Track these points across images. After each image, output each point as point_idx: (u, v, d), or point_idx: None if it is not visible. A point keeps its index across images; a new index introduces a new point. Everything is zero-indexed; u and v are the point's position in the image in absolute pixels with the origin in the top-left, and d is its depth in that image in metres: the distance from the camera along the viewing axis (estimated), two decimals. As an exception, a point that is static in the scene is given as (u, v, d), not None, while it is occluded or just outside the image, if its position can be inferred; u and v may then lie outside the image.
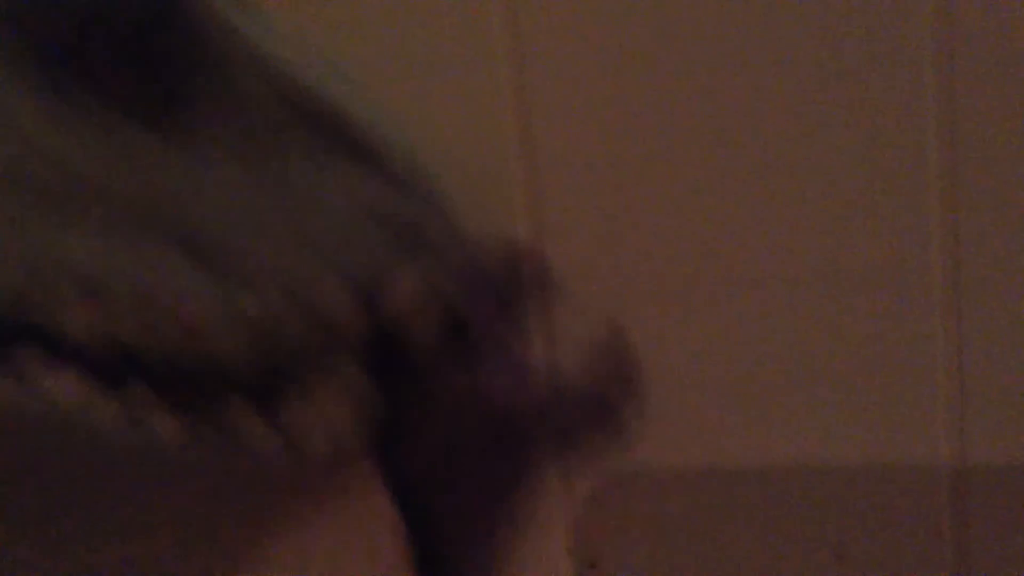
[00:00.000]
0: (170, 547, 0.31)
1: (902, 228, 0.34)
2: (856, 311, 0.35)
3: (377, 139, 0.30)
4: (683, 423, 0.37)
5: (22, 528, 0.27)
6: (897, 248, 0.34)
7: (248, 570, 0.31)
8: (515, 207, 0.36)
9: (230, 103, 0.28)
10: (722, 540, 0.38)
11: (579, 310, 0.36)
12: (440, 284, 0.31)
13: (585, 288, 0.36)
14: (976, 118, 0.32)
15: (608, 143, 0.35)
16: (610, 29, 0.34)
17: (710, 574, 0.38)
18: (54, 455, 0.26)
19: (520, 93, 0.34)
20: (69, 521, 0.28)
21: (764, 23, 0.33)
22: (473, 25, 0.34)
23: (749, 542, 0.38)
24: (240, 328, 0.28)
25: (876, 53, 0.32)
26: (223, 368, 0.30)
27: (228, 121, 0.28)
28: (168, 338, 0.26)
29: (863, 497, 0.36)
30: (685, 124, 0.34)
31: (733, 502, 0.37)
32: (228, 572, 0.31)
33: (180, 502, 0.30)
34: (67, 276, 0.25)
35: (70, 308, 0.25)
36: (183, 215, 0.27)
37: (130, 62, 0.27)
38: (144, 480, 0.28)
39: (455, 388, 0.32)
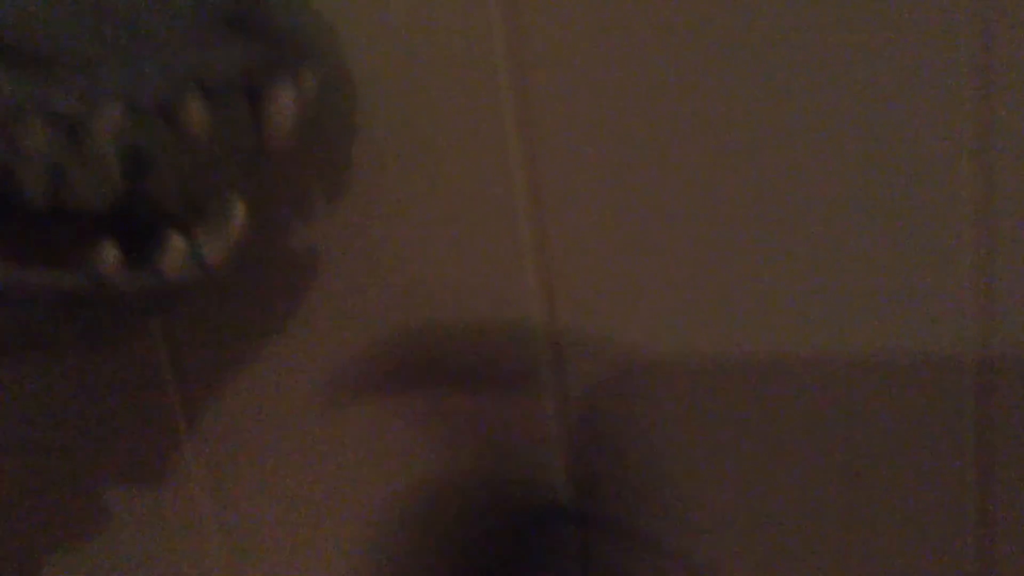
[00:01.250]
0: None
1: (930, 129, 0.32)
2: (875, 191, 0.33)
3: None
4: (692, 316, 0.36)
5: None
6: (923, 137, 0.32)
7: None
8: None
9: None
10: (738, 448, 0.37)
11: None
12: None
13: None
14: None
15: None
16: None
17: (716, 484, 0.37)
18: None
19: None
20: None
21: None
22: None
23: (765, 451, 0.36)
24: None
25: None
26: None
27: None
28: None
29: (882, 406, 0.35)
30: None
31: (748, 406, 0.36)
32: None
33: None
34: None
35: None
36: None
37: None
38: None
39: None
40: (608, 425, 0.37)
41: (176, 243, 0.29)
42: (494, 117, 0.35)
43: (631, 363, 0.36)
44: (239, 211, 0.31)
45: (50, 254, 0.27)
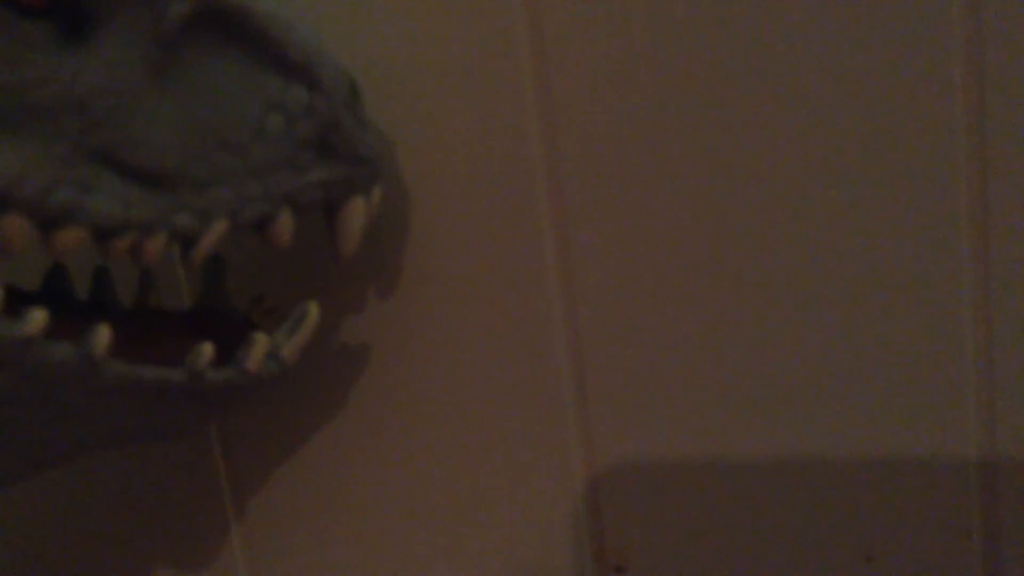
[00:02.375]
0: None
1: (929, 222, 0.34)
2: (883, 305, 0.35)
3: (280, 33, 0.30)
4: (711, 423, 0.37)
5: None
6: (924, 241, 0.34)
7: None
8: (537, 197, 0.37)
9: None
10: (751, 543, 0.38)
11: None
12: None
13: (603, 282, 0.37)
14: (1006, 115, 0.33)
15: (632, 147, 0.36)
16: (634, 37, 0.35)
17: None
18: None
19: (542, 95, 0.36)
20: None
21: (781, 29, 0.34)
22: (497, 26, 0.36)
23: (778, 544, 0.38)
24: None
25: (905, 56, 0.33)
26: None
27: (129, 14, 0.28)
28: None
29: (892, 496, 0.36)
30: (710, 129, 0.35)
31: (762, 503, 0.38)
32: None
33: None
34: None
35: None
36: (99, 122, 0.27)
37: None
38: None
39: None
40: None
41: (261, 343, 0.32)
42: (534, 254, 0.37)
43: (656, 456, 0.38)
44: (314, 314, 0.34)
45: (155, 355, 0.31)
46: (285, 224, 0.31)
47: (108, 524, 0.43)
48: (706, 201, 0.36)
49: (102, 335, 0.28)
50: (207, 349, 0.31)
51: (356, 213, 0.33)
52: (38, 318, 0.27)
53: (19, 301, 0.28)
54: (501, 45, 0.36)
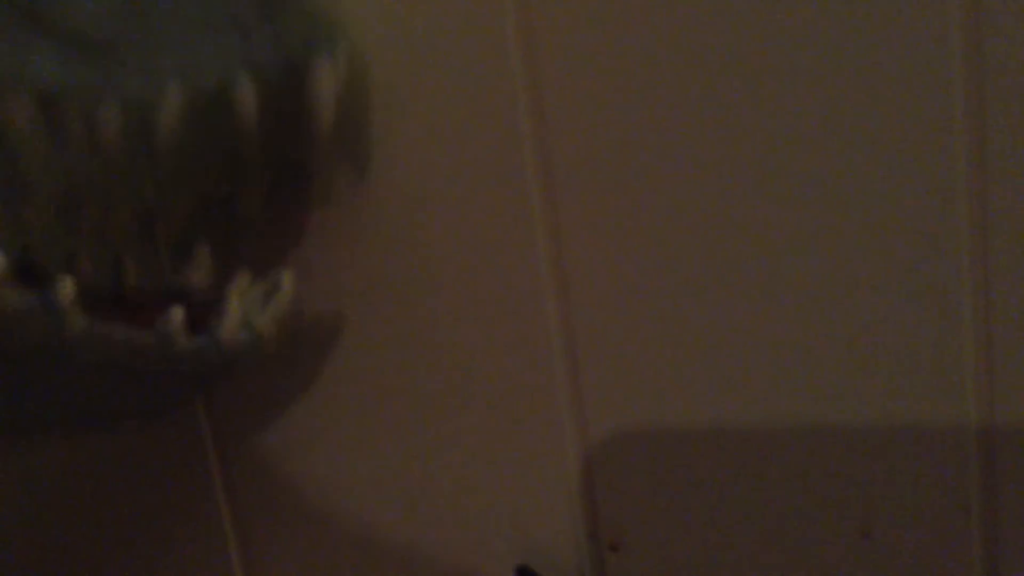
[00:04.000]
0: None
1: (927, 195, 0.34)
2: (880, 275, 0.35)
3: None
4: (705, 399, 0.37)
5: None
6: (922, 210, 0.34)
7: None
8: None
9: None
10: (746, 519, 0.38)
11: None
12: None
13: (594, 257, 0.37)
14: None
15: (623, 147, 0.36)
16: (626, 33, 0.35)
17: (734, 554, 0.38)
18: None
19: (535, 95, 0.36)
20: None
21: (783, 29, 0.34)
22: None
23: (774, 520, 0.37)
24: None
25: (903, 55, 0.33)
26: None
27: None
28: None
29: (889, 471, 0.36)
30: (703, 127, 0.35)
31: (757, 480, 0.37)
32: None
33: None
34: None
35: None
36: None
37: None
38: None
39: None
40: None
41: (234, 312, 0.32)
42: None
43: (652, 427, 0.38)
44: (288, 284, 0.33)
45: (125, 318, 0.30)
46: (247, 91, 0.29)
47: (103, 525, 0.43)
48: (701, 177, 0.35)
49: (67, 285, 0.27)
50: (177, 313, 0.30)
51: (323, 75, 0.30)
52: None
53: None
54: (492, 43, 0.36)
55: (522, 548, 0.40)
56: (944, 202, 0.34)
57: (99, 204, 0.29)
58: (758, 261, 0.35)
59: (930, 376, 0.35)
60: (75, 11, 0.27)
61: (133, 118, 0.28)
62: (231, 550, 0.42)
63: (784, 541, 0.37)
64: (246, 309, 0.33)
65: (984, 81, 0.33)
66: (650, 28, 0.34)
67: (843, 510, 0.37)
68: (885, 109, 0.33)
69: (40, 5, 0.26)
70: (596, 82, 0.35)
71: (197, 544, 0.43)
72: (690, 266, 0.36)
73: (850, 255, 0.35)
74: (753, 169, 0.35)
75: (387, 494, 0.41)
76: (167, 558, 0.43)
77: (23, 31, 0.26)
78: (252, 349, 0.33)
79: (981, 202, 0.33)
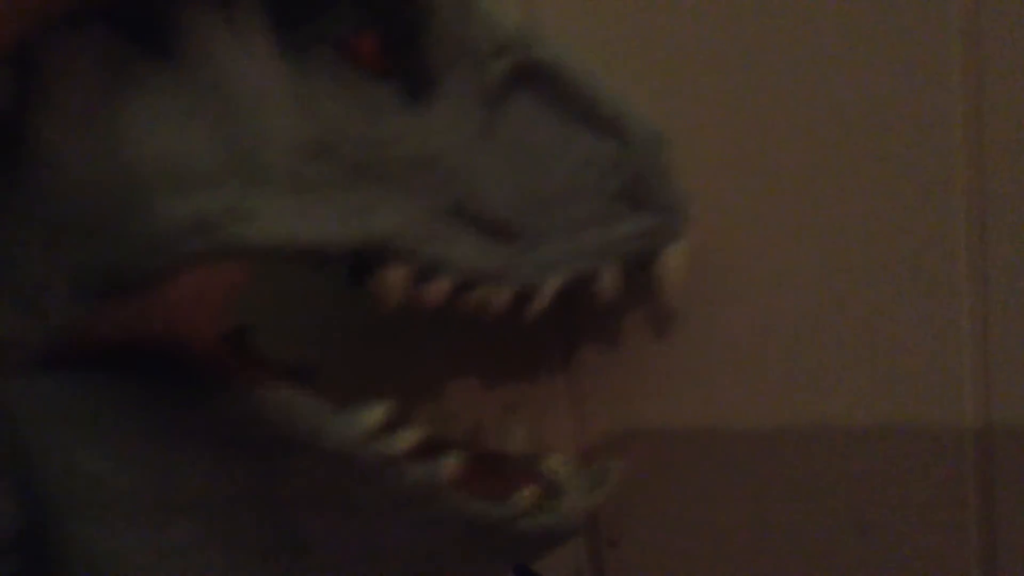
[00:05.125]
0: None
1: (926, 193, 0.34)
2: (878, 274, 0.35)
3: (591, 88, 0.31)
4: (703, 396, 0.37)
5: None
6: (922, 211, 0.34)
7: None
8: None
9: (459, 54, 0.29)
10: (744, 516, 0.38)
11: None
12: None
13: None
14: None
15: None
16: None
17: (732, 549, 0.38)
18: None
19: None
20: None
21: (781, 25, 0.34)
22: None
23: (772, 517, 0.38)
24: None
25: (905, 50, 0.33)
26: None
27: (461, 76, 0.29)
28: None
29: (886, 468, 0.37)
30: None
31: (755, 477, 0.37)
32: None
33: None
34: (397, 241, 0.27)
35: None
36: (449, 177, 0.28)
37: (373, 20, 0.27)
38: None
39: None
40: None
41: (575, 497, 0.33)
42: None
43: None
44: (616, 472, 0.35)
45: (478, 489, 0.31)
46: (613, 277, 0.31)
47: None
48: (695, 171, 0.35)
49: (450, 466, 0.29)
50: (532, 493, 0.31)
51: (677, 259, 0.32)
52: (409, 438, 0.28)
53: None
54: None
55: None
56: (943, 201, 0.34)
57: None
58: (756, 259, 0.36)
59: (928, 374, 0.35)
60: (492, 204, 0.29)
61: (515, 298, 0.31)
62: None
63: (782, 537, 0.38)
64: (580, 493, 0.34)
65: (983, 85, 0.33)
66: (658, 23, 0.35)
67: (840, 507, 0.37)
68: (882, 111, 0.34)
69: (464, 199, 0.29)
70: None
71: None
72: (694, 258, 0.36)
73: (849, 255, 0.35)
74: (751, 165, 0.35)
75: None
76: None
77: (450, 222, 0.29)
78: (569, 532, 0.34)
79: (979, 201, 0.34)
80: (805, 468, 0.37)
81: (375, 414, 0.29)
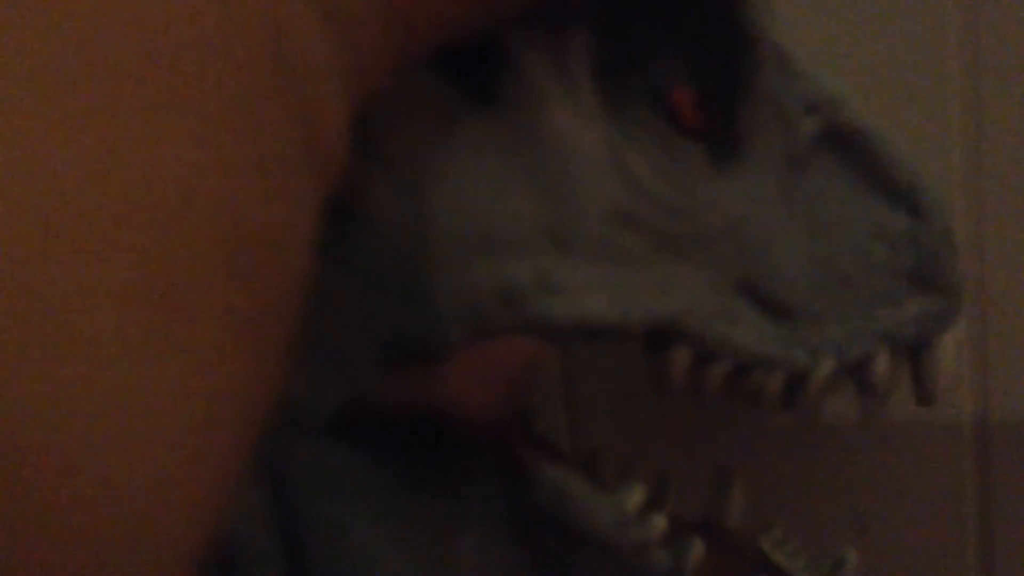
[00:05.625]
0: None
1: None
2: None
3: (889, 155, 0.28)
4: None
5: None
6: None
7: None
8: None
9: (774, 113, 0.27)
10: (745, 515, 0.36)
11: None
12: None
13: None
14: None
15: None
16: None
17: None
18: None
19: None
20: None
21: None
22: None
23: (771, 515, 0.36)
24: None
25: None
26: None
27: (770, 136, 0.27)
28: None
29: (886, 467, 0.37)
30: None
31: (754, 474, 0.35)
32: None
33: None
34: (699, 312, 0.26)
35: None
36: (744, 249, 0.26)
37: (694, 75, 0.25)
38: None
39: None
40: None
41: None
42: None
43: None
44: (852, 563, 0.32)
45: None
46: (884, 365, 0.28)
47: None
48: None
49: (697, 550, 0.28)
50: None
51: (949, 352, 0.29)
52: (659, 525, 0.27)
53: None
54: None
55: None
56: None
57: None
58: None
59: None
60: (782, 280, 0.27)
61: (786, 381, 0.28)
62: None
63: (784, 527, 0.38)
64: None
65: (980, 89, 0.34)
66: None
67: (840, 507, 0.37)
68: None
69: (755, 273, 0.26)
70: None
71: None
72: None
73: None
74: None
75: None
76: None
77: (736, 299, 0.26)
78: None
79: (977, 197, 0.34)
80: (805, 469, 0.38)
81: (636, 495, 0.27)
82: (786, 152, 0.27)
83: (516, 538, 0.25)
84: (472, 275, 0.22)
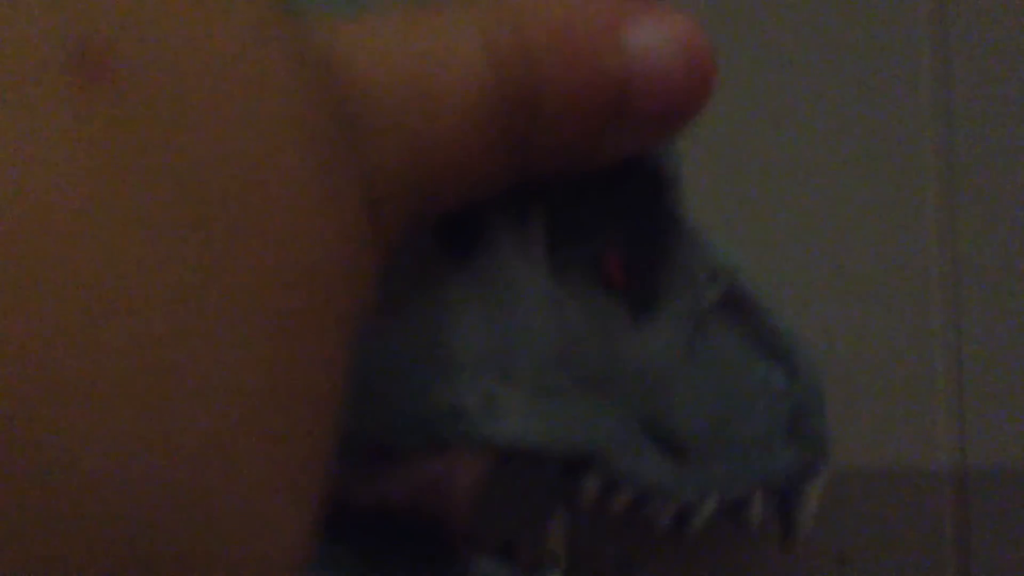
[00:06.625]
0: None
1: (900, 229, 0.37)
2: (854, 313, 0.37)
3: (774, 322, 0.32)
4: None
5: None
6: (895, 250, 0.37)
7: None
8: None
9: (686, 278, 0.30)
10: (725, 544, 0.39)
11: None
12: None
13: None
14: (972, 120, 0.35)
15: None
16: None
17: None
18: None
19: None
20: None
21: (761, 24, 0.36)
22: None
23: (752, 548, 0.39)
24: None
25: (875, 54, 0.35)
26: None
27: (681, 297, 0.30)
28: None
29: (865, 503, 0.38)
30: None
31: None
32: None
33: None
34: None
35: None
36: (651, 393, 0.30)
37: (625, 241, 0.29)
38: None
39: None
40: None
41: None
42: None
43: None
44: None
45: None
46: (758, 507, 0.32)
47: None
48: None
49: None
50: None
51: (812, 500, 0.33)
52: None
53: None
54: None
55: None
56: (916, 232, 0.36)
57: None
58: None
59: (903, 420, 0.37)
60: (679, 422, 0.30)
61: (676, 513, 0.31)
62: None
63: (762, 567, 0.39)
64: None
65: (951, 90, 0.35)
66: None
67: (820, 537, 0.38)
68: (855, 121, 0.36)
69: (658, 415, 0.30)
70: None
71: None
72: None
73: (829, 287, 0.37)
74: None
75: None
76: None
77: (640, 436, 0.30)
78: None
79: (950, 218, 0.36)
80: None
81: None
82: (693, 313, 0.31)
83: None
84: (431, 392, 0.26)
